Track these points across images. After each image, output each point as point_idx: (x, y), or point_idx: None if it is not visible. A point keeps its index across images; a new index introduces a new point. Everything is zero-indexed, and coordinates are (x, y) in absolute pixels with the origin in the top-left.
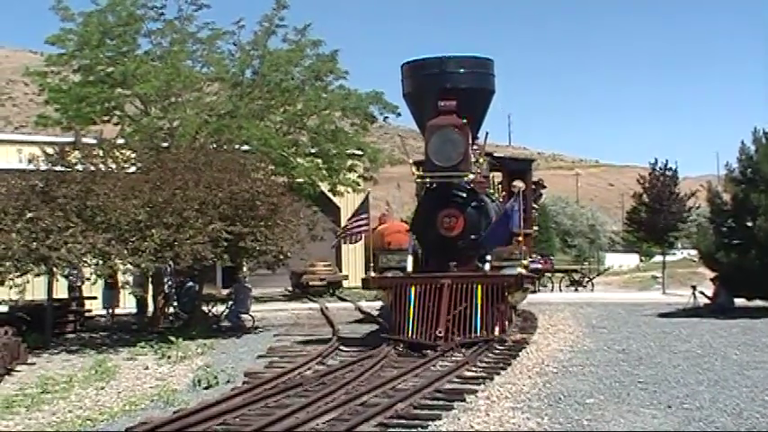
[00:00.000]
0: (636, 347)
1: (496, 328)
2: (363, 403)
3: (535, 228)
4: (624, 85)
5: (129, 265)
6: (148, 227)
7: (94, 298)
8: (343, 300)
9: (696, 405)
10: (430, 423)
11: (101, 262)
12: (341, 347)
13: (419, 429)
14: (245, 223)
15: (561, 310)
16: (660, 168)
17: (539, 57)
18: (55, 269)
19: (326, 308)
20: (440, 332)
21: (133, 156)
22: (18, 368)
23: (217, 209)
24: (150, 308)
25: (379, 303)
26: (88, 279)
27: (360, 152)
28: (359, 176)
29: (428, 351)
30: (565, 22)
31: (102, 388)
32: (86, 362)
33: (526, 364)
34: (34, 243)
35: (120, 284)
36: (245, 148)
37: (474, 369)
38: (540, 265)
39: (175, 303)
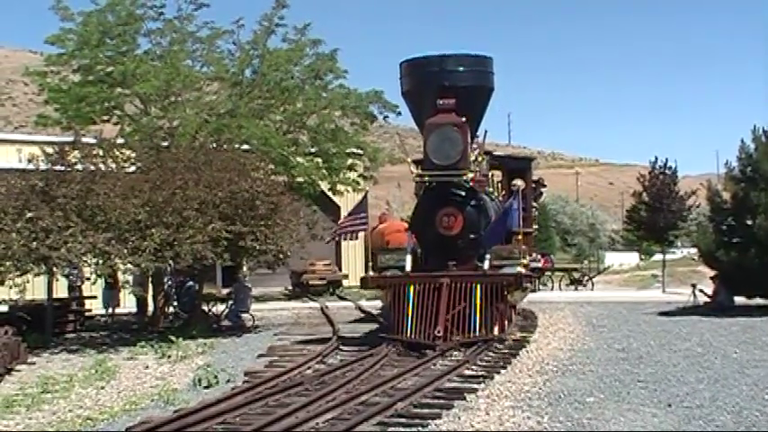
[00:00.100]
0: (636, 346)
1: (496, 328)
2: (363, 402)
3: (535, 227)
4: (624, 83)
5: (129, 265)
6: (148, 226)
7: (94, 297)
8: (343, 299)
9: (696, 403)
10: (430, 422)
11: (101, 261)
12: (341, 347)
13: (419, 428)
14: (245, 223)
15: (561, 308)
16: (660, 167)
17: (538, 56)
18: (55, 269)
19: (326, 307)
20: (438, 332)
21: (133, 155)
22: (18, 368)
23: (217, 208)
24: (150, 307)
25: (379, 302)
26: (88, 279)
27: (360, 151)
28: (359, 176)
29: (427, 351)
30: (565, 21)
31: (103, 387)
32: (87, 361)
33: (526, 363)
34: (34, 243)
35: (120, 284)
36: (245, 147)
37: (474, 368)
38: (540, 264)
39: (175, 303)
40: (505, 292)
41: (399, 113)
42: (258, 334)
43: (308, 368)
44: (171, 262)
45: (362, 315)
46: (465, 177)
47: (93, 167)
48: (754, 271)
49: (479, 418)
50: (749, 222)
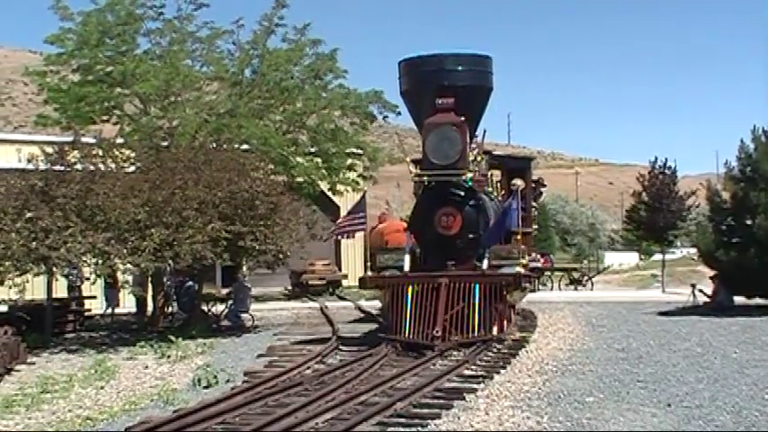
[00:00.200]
0: (635, 346)
1: (494, 328)
2: (363, 402)
3: (535, 226)
4: (624, 83)
5: (128, 265)
6: (148, 226)
7: (94, 297)
8: (342, 299)
9: (696, 403)
10: (429, 422)
11: (100, 261)
12: (340, 346)
13: (419, 428)
14: (245, 222)
15: (561, 308)
16: (660, 167)
17: (538, 56)
18: (54, 269)
19: (326, 307)
20: (437, 332)
21: (132, 155)
22: (18, 368)
23: (216, 208)
24: (150, 307)
25: (378, 302)
26: (87, 279)
27: (359, 151)
28: (358, 175)
29: (425, 351)
30: (564, 21)
31: (102, 387)
32: (86, 361)
33: (526, 363)
34: (34, 243)
35: (119, 284)
36: (245, 147)
37: (473, 368)
38: (539, 264)
39: (175, 303)
40: (504, 292)
41: (399, 113)
42: (258, 334)
43: (308, 368)
44: (170, 262)
45: (362, 315)
46: (464, 177)
47: (92, 167)
48: (753, 271)
49: (479, 418)
50: (749, 222)
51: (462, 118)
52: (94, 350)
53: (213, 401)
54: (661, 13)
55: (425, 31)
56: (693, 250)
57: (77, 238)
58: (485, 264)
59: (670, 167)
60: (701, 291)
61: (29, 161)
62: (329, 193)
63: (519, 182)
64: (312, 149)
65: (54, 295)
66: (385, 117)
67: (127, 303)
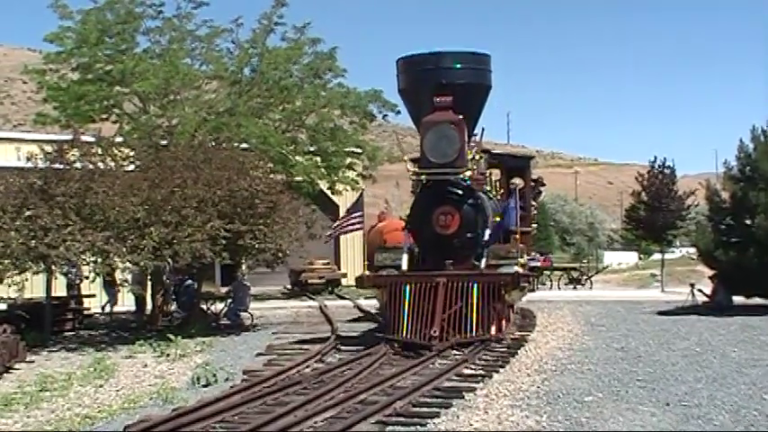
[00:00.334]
0: (634, 345)
1: (493, 328)
2: (362, 401)
3: (534, 226)
4: (623, 83)
5: (127, 263)
6: (147, 225)
7: (93, 296)
8: (342, 298)
9: (694, 403)
10: (429, 421)
11: (99, 260)
12: (340, 345)
13: (418, 427)
14: (244, 221)
15: (560, 308)
16: (659, 166)
17: (538, 55)
18: (53, 267)
19: (325, 306)
20: (435, 331)
21: (132, 154)
22: (17, 366)
23: (215, 207)
24: (149, 306)
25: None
26: (86, 277)
27: (358, 150)
28: (357, 175)
29: (423, 351)
30: (564, 19)
31: (101, 386)
32: (85, 360)
33: (525, 362)
34: (33, 241)
35: (118, 282)
36: (244, 146)
37: (472, 367)
38: (538, 264)
39: (174, 301)
40: (503, 292)
41: (398, 112)
42: (257, 333)
43: (307, 367)
44: (170, 260)
45: (361, 314)
46: (462, 175)
47: (91, 166)
48: (752, 270)
49: (478, 417)
50: (748, 222)
51: (460, 116)
52: (93, 348)
53: (212, 400)
54: (661, 13)
55: (425, 30)
56: (692, 250)
57: (76, 237)
58: (483, 263)
59: (669, 167)
60: (700, 290)
61: (28, 159)
62: (328, 192)
63: (518, 181)
64: (311, 148)
65: (53, 294)
66: (384, 116)
67: (126, 302)
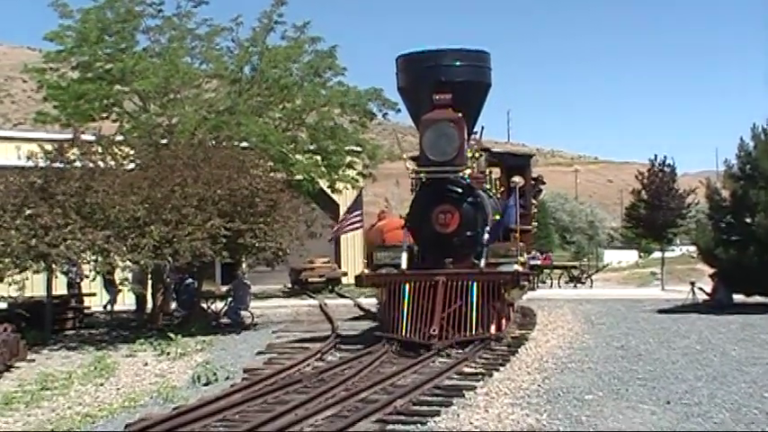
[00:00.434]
0: (635, 343)
1: (492, 326)
2: (362, 400)
3: (534, 224)
4: (624, 82)
5: (128, 262)
6: (147, 223)
7: (93, 295)
8: (342, 296)
9: (695, 401)
10: (429, 419)
11: (100, 259)
12: (340, 344)
13: (418, 426)
14: (244, 220)
15: (560, 306)
16: (659, 165)
17: (538, 53)
18: (54, 266)
19: (325, 304)
20: (434, 330)
21: (132, 152)
22: (17, 365)
23: (216, 205)
24: (150, 305)
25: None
26: (87, 276)
27: (359, 149)
28: (358, 173)
29: (422, 350)
30: (564, 18)
31: (102, 384)
32: (86, 358)
33: (525, 361)
34: (33, 240)
35: (118, 281)
36: (244, 144)
37: (473, 365)
38: (539, 262)
39: (174, 300)
40: (502, 291)
41: (399, 110)
42: (257, 331)
43: (307, 365)
44: (170, 259)
45: (362, 312)
46: (462, 174)
47: (91, 165)
48: (752, 269)
49: (478, 416)
50: (748, 220)
51: (460, 114)
52: (94, 347)
53: (213, 399)
54: (660, 9)
55: (426, 29)
56: (693, 248)
57: (77, 236)
58: (483, 262)
59: (669, 165)
60: (700, 288)
61: (28, 158)
62: (328, 191)
63: (518, 179)
64: (311, 147)
65: (54, 292)
66: (384, 114)
67: (126, 301)
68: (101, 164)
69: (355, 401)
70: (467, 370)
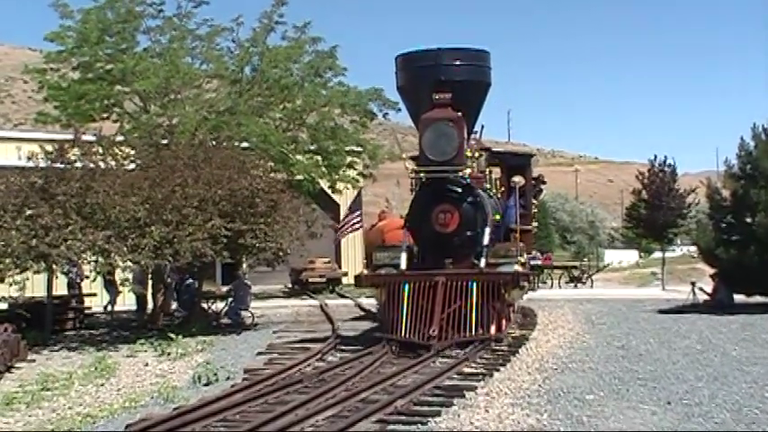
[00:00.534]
0: (635, 344)
1: (492, 327)
2: (363, 400)
3: (535, 224)
4: (624, 81)
5: (128, 262)
6: (148, 224)
7: (94, 295)
8: (342, 296)
9: (695, 401)
10: (429, 419)
11: (100, 259)
12: (340, 344)
13: (419, 426)
14: (245, 220)
15: (561, 306)
16: (659, 164)
17: (538, 53)
18: (54, 266)
19: (326, 305)
20: (433, 331)
21: (132, 153)
22: (18, 365)
23: (216, 206)
24: (150, 305)
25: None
26: (87, 277)
27: (359, 149)
28: (358, 173)
29: (422, 351)
30: (565, 18)
31: (102, 385)
32: (86, 359)
33: (526, 361)
34: (34, 240)
35: (119, 281)
36: (245, 144)
37: (473, 365)
38: (539, 262)
39: (175, 300)
40: (502, 291)
41: (399, 110)
42: (258, 331)
43: (308, 366)
44: (170, 259)
45: (362, 312)
46: (461, 173)
47: (92, 165)
48: (753, 269)
49: (479, 416)
50: (749, 220)
51: (459, 113)
52: (94, 347)
53: (213, 399)
54: (661, 9)
55: (426, 29)
56: (693, 248)
57: (77, 236)
58: (483, 262)
59: (670, 165)
60: (700, 288)
61: (29, 159)
62: (329, 191)
63: (519, 179)
64: (312, 147)
65: (54, 293)
66: (385, 114)
67: (127, 301)
68: (101, 164)
69: (356, 402)
70: (467, 370)
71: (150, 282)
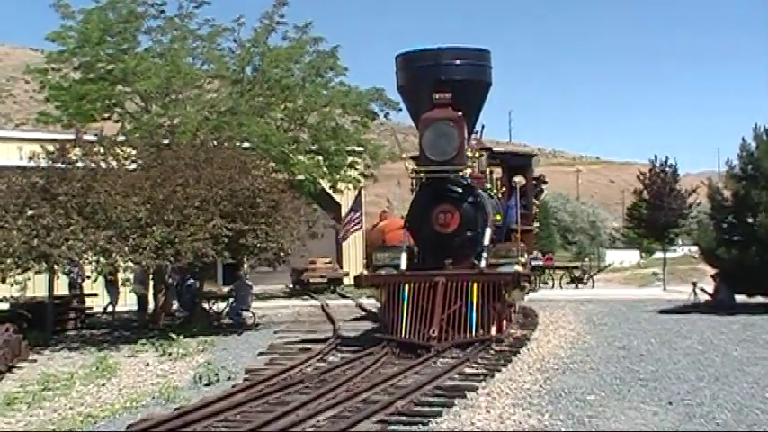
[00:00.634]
0: (636, 344)
1: (493, 328)
2: (364, 400)
3: (536, 224)
4: (625, 82)
5: (129, 263)
6: (149, 224)
7: (95, 295)
8: (343, 297)
9: (697, 401)
10: (431, 420)
11: (101, 259)
12: (341, 344)
13: (420, 426)
14: (246, 220)
15: (562, 306)
16: (661, 165)
17: (539, 54)
18: (56, 266)
19: (327, 305)
20: (433, 332)
21: (134, 153)
22: (19, 365)
23: (217, 206)
24: (151, 305)
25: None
26: (88, 277)
27: (360, 149)
28: (359, 173)
29: (422, 351)
30: (565, 18)
31: (104, 385)
32: (87, 359)
33: (527, 361)
34: (35, 240)
35: (120, 282)
36: (246, 145)
37: (474, 366)
38: (540, 262)
39: (176, 300)
40: (503, 292)
41: (400, 110)
42: (259, 332)
43: (309, 366)
44: (172, 259)
45: (363, 313)
46: (462, 173)
47: (93, 165)
48: (754, 269)
49: (480, 416)
50: (750, 220)
51: (460, 113)
52: (96, 348)
53: (214, 399)
54: (662, 9)
55: (427, 29)
56: (694, 248)
57: (78, 236)
58: (483, 262)
59: (671, 165)
60: (702, 289)
61: (30, 159)
62: (330, 191)
63: (520, 179)
64: (313, 147)
65: (55, 293)
66: (386, 114)
67: (128, 301)
68: (103, 164)
69: (357, 402)
70: (468, 370)
71: (151, 282)
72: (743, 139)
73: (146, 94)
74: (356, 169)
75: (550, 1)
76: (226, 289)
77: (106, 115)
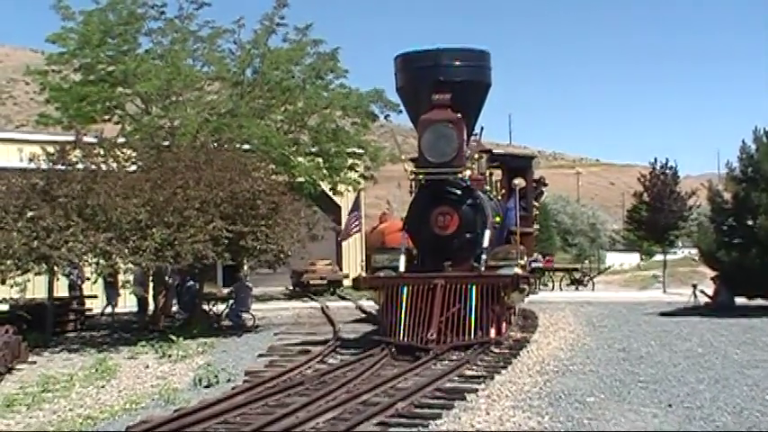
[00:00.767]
0: (636, 346)
1: (492, 330)
2: (364, 402)
3: (536, 226)
4: (626, 84)
5: (129, 264)
6: (149, 226)
7: (95, 297)
8: (343, 298)
9: (697, 404)
10: (430, 422)
11: (101, 261)
12: (341, 346)
13: (420, 428)
14: (246, 222)
15: (562, 308)
16: (661, 167)
17: (539, 55)
18: (55, 268)
19: (327, 307)
20: (432, 334)
21: (134, 155)
22: (19, 367)
23: (217, 208)
24: (151, 307)
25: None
26: (88, 278)
27: (360, 151)
28: (359, 175)
29: (420, 354)
30: (566, 20)
31: (103, 387)
32: (87, 361)
33: (527, 363)
34: (35, 242)
35: (119, 283)
36: (246, 147)
37: (474, 368)
38: (540, 264)
39: (176, 302)
40: (502, 294)
41: (400, 112)
42: (258, 333)
43: (309, 368)
44: (171, 261)
45: (363, 315)
46: (461, 175)
47: (93, 167)
48: (754, 271)
49: (480, 418)
50: (750, 223)
51: (459, 114)
52: (95, 349)
53: (214, 401)
54: (662, 10)
55: (427, 29)
56: (695, 251)
57: (78, 238)
58: (482, 264)
59: (671, 167)
60: (702, 291)
61: (30, 160)
62: (330, 193)
63: (520, 181)
64: (313, 149)
65: (55, 294)
66: (387, 116)
67: (127, 303)
68: (103, 166)
69: (357, 404)
70: (468, 372)
71: (151, 283)
72: (743, 141)
73: (146, 95)
74: (356, 171)
75: (550, 1)
76: (226, 291)
77: (106, 117)
